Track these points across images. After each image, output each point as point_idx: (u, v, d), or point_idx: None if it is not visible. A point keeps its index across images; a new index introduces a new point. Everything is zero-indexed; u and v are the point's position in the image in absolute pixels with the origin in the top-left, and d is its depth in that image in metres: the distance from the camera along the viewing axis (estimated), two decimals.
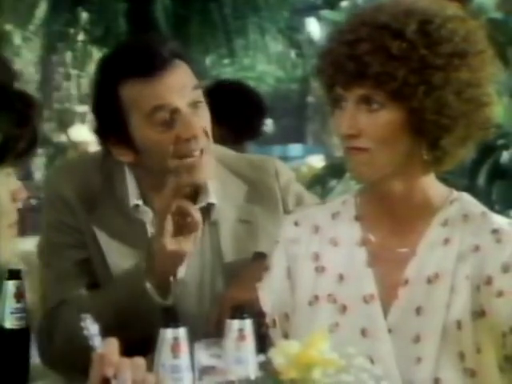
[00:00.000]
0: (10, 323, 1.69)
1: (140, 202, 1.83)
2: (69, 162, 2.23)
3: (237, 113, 3.12)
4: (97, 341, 1.21)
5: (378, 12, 1.49)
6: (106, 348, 1.20)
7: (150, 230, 1.83)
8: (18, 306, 1.69)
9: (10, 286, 1.70)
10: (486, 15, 4.27)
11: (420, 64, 1.45)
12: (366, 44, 1.45)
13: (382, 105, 1.47)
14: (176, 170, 1.76)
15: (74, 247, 1.84)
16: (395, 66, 1.44)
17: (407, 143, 1.50)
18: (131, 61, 1.77)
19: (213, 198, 1.83)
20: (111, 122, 1.79)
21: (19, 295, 1.70)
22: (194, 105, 1.78)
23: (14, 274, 1.71)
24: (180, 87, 1.77)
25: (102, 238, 1.82)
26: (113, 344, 1.21)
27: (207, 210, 1.84)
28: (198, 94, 1.80)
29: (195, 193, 1.83)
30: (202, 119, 1.79)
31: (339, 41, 1.50)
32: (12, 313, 1.69)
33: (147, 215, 1.83)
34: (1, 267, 1.25)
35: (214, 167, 1.83)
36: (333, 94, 1.53)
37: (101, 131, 1.82)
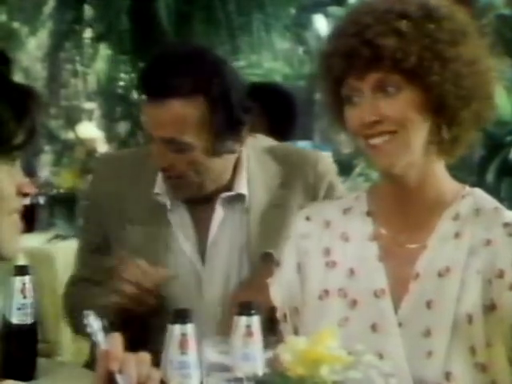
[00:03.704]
0: (16, 319, 1.69)
1: (160, 191, 1.93)
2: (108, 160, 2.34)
3: (284, 112, 3.30)
4: (100, 336, 1.21)
5: (376, 3, 1.52)
6: (111, 343, 1.20)
7: (171, 218, 1.93)
8: (25, 301, 1.70)
9: (17, 282, 1.70)
10: (495, 11, 4.26)
11: (430, 40, 1.47)
12: (376, 28, 1.47)
13: (398, 88, 1.48)
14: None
15: (92, 231, 2.01)
16: (408, 44, 1.46)
17: (429, 122, 1.50)
18: (144, 84, 1.89)
19: (243, 189, 1.92)
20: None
21: (25, 291, 1.70)
22: (171, 141, 1.83)
23: (21, 270, 1.72)
24: (165, 122, 1.82)
25: (131, 232, 1.94)
26: (117, 339, 1.21)
27: (239, 198, 1.92)
28: (180, 135, 1.83)
29: (230, 180, 1.92)
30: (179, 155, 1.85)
31: (346, 34, 1.51)
32: (19, 309, 1.69)
33: (166, 205, 1.93)
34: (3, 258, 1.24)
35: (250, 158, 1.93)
36: (344, 89, 1.52)
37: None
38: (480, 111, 1.52)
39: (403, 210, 1.57)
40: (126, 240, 1.93)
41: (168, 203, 1.93)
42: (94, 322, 1.22)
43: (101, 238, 1.98)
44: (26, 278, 1.71)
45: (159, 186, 1.94)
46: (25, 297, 1.70)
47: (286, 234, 1.70)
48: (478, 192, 1.60)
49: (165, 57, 1.89)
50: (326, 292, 1.57)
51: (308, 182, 1.95)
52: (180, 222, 1.93)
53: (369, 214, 1.61)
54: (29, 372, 1.73)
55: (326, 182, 1.95)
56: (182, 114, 1.80)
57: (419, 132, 1.50)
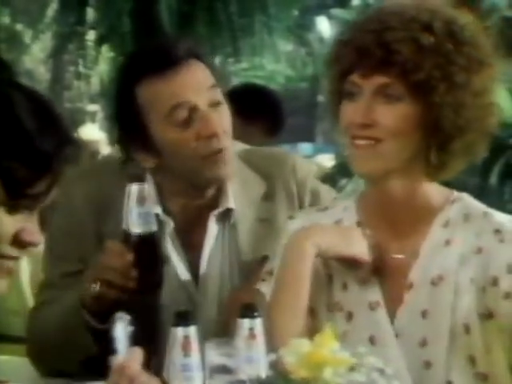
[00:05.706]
0: (137, 229, 1.60)
1: (159, 211, 1.78)
2: (84, 169, 2.22)
3: (267, 112, 3.26)
4: (121, 346, 1.17)
5: (404, 6, 1.51)
6: (129, 357, 1.16)
7: (168, 240, 1.80)
8: (143, 210, 1.60)
9: (133, 190, 1.59)
10: (499, 13, 4.26)
11: (445, 60, 1.46)
12: (396, 32, 1.45)
13: (400, 97, 1.47)
14: (198, 169, 1.75)
15: (67, 259, 1.81)
16: (423, 57, 1.45)
17: (418, 140, 1.49)
18: (145, 61, 1.76)
19: (231, 203, 1.82)
20: (131, 126, 1.76)
21: (142, 200, 1.59)
22: (214, 105, 1.75)
23: (137, 178, 1.61)
24: (196, 85, 1.75)
25: None
26: (137, 355, 1.17)
27: (227, 213, 1.83)
28: (217, 94, 1.78)
29: (216, 197, 1.82)
30: (222, 118, 1.77)
31: (364, 29, 1.49)
32: (137, 217, 1.60)
33: (167, 225, 1.79)
34: None
35: (235, 166, 1.81)
36: (346, 83, 1.51)
37: (122, 136, 1.80)
38: (473, 144, 1.51)
39: (392, 219, 1.55)
40: None
41: (171, 223, 1.79)
42: (120, 329, 1.17)
43: (76, 262, 1.80)
44: (143, 186, 1.60)
45: (157, 206, 1.77)
46: (142, 205, 1.59)
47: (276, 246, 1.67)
48: (466, 197, 1.58)
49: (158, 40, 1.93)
50: (330, 305, 1.54)
51: (291, 191, 1.86)
52: (172, 243, 1.81)
53: (359, 224, 1.58)
54: (155, 280, 1.65)
55: (308, 187, 1.88)
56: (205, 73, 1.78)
57: (406, 146, 1.48)
